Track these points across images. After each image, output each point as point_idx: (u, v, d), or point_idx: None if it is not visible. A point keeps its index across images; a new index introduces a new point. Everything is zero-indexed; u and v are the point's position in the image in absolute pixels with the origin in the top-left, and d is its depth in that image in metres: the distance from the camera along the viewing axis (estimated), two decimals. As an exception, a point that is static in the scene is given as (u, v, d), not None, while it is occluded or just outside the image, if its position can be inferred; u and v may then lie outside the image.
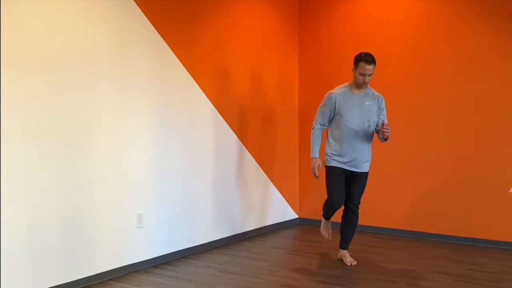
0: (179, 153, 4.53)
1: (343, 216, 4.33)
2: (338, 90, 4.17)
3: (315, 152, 4.25)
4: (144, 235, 4.25)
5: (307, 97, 5.89)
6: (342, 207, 4.34)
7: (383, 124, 4.07)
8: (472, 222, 4.96)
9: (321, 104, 4.25)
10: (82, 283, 3.78)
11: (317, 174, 4.24)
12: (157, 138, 4.34)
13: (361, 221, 4.34)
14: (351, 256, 4.40)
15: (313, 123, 4.30)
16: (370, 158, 4.29)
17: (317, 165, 4.23)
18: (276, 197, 5.73)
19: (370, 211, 5.23)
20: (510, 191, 4.77)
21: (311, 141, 4.28)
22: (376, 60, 5.35)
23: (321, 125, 4.25)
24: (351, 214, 4.28)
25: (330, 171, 4.24)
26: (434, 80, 5.11)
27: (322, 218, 4.54)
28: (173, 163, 4.48)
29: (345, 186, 4.27)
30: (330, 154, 4.22)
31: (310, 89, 5.87)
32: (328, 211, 4.41)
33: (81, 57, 3.73)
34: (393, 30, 5.30)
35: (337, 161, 4.19)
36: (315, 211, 5.14)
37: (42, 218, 3.52)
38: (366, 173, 4.28)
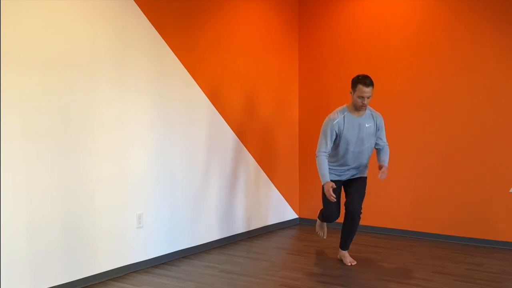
0: (179, 152, 4.53)
1: (344, 220, 4.32)
2: (339, 116, 4.13)
3: (326, 177, 4.11)
4: (144, 235, 4.25)
5: (307, 96, 5.89)
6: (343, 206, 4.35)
7: (381, 167, 4.16)
8: (472, 222, 4.96)
9: (322, 130, 4.17)
10: (82, 283, 3.78)
11: (334, 196, 4.06)
12: (157, 138, 4.34)
13: (361, 221, 4.34)
14: (351, 256, 4.41)
15: (316, 151, 4.20)
16: (367, 164, 4.34)
17: (331, 187, 4.05)
18: (276, 197, 5.73)
19: (370, 211, 5.21)
20: (510, 191, 4.77)
21: (319, 168, 4.14)
22: (377, 60, 5.40)
23: (325, 152, 4.17)
24: (352, 220, 4.26)
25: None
26: (434, 80, 5.11)
27: (318, 219, 4.67)
28: (173, 163, 4.48)
29: (345, 192, 4.31)
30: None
31: (310, 89, 5.87)
32: (323, 219, 4.55)
33: (81, 57, 3.73)
34: (394, 30, 5.30)
35: (334, 174, 4.23)
36: (315, 211, 5.13)
37: (42, 218, 3.52)
38: (364, 178, 4.30)
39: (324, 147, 4.15)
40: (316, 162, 4.18)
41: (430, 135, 5.16)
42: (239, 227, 5.22)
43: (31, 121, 3.44)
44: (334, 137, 4.13)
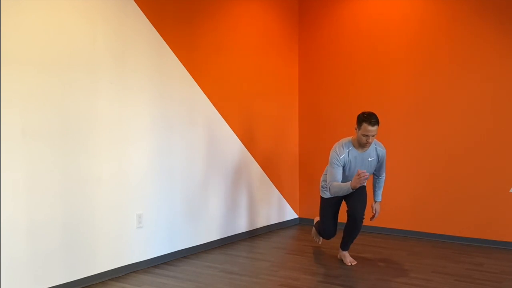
0: (179, 153, 4.53)
1: (347, 222, 4.31)
2: (344, 151, 4.11)
3: (348, 184, 3.96)
4: (144, 235, 4.25)
5: (307, 96, 5.90)
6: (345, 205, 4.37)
7: (374, 208, 4.40)
8: (472, 222, 4.96)
9: (330, 163, 4.13)
10: (82, 283, 3.78)
11: (366, 175, 3.84)
12: (157, 138, 4.34)
13: (361, 221, 4.35)
14: (351, 256, 4.41)
15: (328, 182, 4.15)
16: None
17: (357, 177, 3.87)
18: (276, 197, 5.73)
19: (370, 211, 5.20)
20: (510, 191, 4.77)
21: (338, 189, 4.04)
22: (377, 61, 5.40)
23: (338, 182, 4.11)
24: (354, 225, 4.25)
25: (325, 202, 4.40)
26: (434, 80, 5.11)
27: (314, 227, 4.74)
28: (173, 163, 4.48)
29: (345, 202, 4.31)
30: (325, 187, 4.31)
31: (310, 89, 5.88)
32: (319, 234, 4.62)
33: (81, 57, 3.73)
34: (394, 30, 5.30)
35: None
36: (315, 211, 5.13)
37: (42, 218, 3.52)
38: (363, 187, 4.30)
39: (335, 179, 4.10)
40: (331, 190, 4.10)
41: (430, 135, 5.16)
42: (239, 227, 5.22)
43: (31, 121, 3.44)
44: (342, 169, 4.14)
